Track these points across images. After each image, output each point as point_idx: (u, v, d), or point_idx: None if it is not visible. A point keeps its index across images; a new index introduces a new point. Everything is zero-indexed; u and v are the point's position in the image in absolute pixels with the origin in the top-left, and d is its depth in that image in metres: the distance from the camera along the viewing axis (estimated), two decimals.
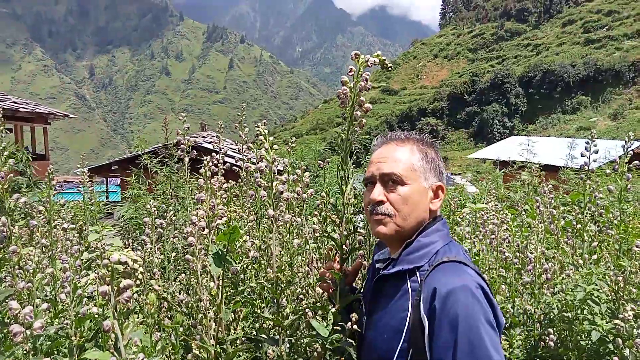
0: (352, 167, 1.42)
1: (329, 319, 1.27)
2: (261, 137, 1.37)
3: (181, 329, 1.40)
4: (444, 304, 1.07)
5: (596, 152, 2.11)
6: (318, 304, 1.33)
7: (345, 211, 1.40)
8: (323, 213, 1.62)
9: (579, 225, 2.27)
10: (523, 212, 2.98)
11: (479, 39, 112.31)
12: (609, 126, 61.71)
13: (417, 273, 1.19)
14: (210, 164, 1.26)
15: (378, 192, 1.26)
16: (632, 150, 2.13)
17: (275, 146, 1.38)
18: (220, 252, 1.11)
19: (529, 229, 2.36)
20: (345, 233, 1.40)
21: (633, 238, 2.12)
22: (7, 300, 1.69)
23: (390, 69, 1.37)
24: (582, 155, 2.18)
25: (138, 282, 0.95)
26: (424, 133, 1.41)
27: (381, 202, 1.25)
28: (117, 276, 0.96)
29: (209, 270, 1.28)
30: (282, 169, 1.44)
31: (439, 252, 1.21)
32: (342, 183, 1.37)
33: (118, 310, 0.96)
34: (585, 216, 2.26)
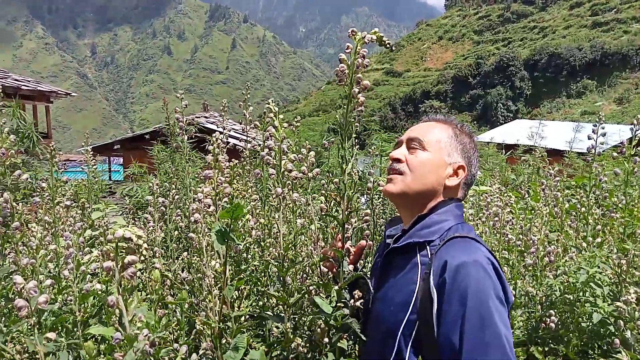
0: (354, 146, 1.41)
1: (332, 296, 1.28)
2: (271, 115, 1.36)
3: (185, 306, 1.41)
4: (455, 278, 1.07)
5: (603, 134, 2.09)
6: (321, 283, 1.33)
7: (347, 189, 1.40)
8: (325, 192, 1.61)
9: (583, 209, 2.26)
10: (526, 195, 2.97)
11: (484, 21, 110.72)
12: (614, 110, 61.25)
13: (428, 247, 1.20)
14: (219, 140, 1.25)
15: (399, 151, 1.33)
16: (639, 134, 2.10)
17: (284, 124, 1.37)
18: (223, 229, 1.11)
19: (532, 211, 2.35)
20: (347, 211, 1.39)
21: (637, 222, 2.11)
22: (11, 276, 1.70)
23: (387, 46, 1.36)
24: (589, 138, 2.16)
25: (142, 258, 0.94)
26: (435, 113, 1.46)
27: (398, 160, 1.31)
28: (121, 252, 0.96)
29: (213, 248, 1.28)
30: (286, 148, 1.42)
31: (451, 228, 1.22)
32: (342, 162, 1.37)
33: (122, 285, 0.96)
34: (590, 199, 2.25)
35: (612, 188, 2.64)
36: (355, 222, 1.69)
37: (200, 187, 1.27)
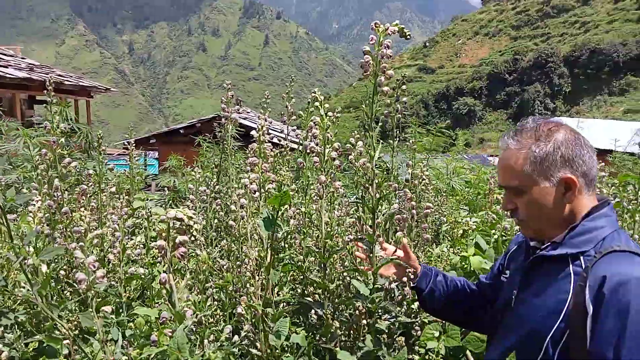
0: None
1: (368, 278, 1.30)
2: (316, 104, 1.39)
3: (230, 288, 1.44)
4: (614, 293, 1.05)
5: None
6: (358, 268, 1.36)
7: (375, 177, 1.42)
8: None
9: (630, 206, 2.18)
10: None
11: (522, 16, 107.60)
12: None
13: (582, 258, 1.17)
14: (264, 128, 1.28)
15: (505, 202, 1.30)
16: None
17: (330, 113, 1.39)
18: (270, 215, 1.13)
19: None
20: (376, 198, 1.42)
21: None
22: (62, 256, 1.78)
23: (408, 37, 1.38)
24: (638, 134, 2.08)
25: (193, 238, 0.98)
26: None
27: (513, 211, 1.27)
28: (173, 232, 1.00)
29: (255, 234, 1.31)
30: (330, 137, 1.44)
31: (606, 238, 1.18)
32: (369, 149, 1.39)
33: (173, 264, 1.00)
34: (638, 197, 2.17)
35: None
36: (384, 210, 1.70)
37: (245, 175, 1.30)
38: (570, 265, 1.17)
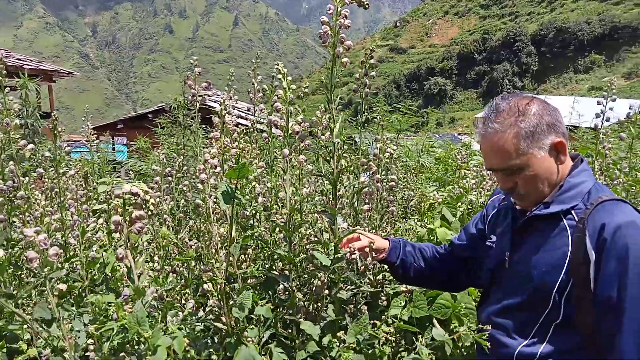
0: (338, 107, 1.44)
1: (329, 249, 1.32)
2: (279, 76, 1.37)
3: (193, 263, 1.43)
4: (613, 238, 1.14)
5: (614, 99, 2.06)
6: (320, 240, 1.38)
7: (336, 149, 1.43)
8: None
9: None
10: None
11: None
12: (622, 86, 60.39)
13: (573, 212, 1.25)
14: (226, 103, 1.26)
15: (503, 182, 1.32)
16: None
17: (292, 86, 1.38)
18: (229, 189, 1.12)
19: None
20: (337, 171, 1.43)
21: (637, 184, 2.11)
22: (19, 235, 1.73)
23: (366, 7, 1.37)
24: (598, 103, 2.13)
25: (149, 213, 0.96)
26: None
27: (511, 188, 1.30)
28: (128, 207, 0.98)
29: (219, 209, 1.30)
30: (293, 110, 1.43)
31: (590, 191, 1.26)
32: (330, 122, 1.39)
33: (130, 240, 0.98)
34: (594, 167, 2.25)
35: (616, 159, 2.63)
36: (346, 182, 1.72)
37: (206, 150, 1.28)
38: (564, 220, 1.25)
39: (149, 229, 1.62)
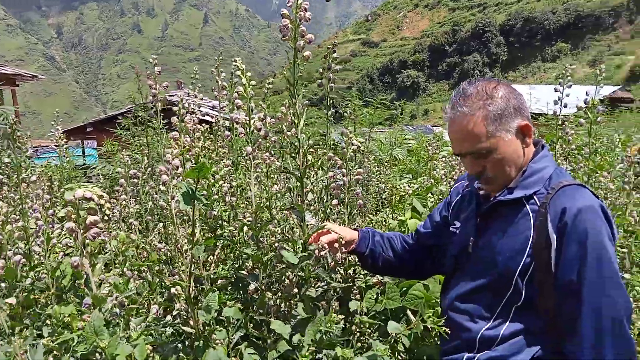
0: (304, 101, 1.42)
1: (297, 247, 1.30)
2: (238, 73, 1.34)
3: (157, 267, 1.40)
4: (574, 221, 1.17)
5: (569, 86, 2.12)
6: (288, 238, 1.36)
7: (301, 145, 1.42)
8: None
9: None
10: None
11: None
12: (587, 73, 62.13)
13: (535, 197, 1.27)
14: (184, 102, 1.23)
15: (471, 166, 1.33)
16: (608, 95, 2.13)
17: (252, 82, 1.35)
18: (189, 189, 1.10)
19: None
20: (303, 167, 1.42)
21: (600, 169, 2.17)
22: None
23: (328, 0, 1.36)
24: (555, 91, 2.19)
25: (105, 218, 0.93)
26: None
27: (480, 172, 1.31)
28: (82, 213, 0.94)
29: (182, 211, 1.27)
30: (254, 106, 1.41)
31: (552, 176, 1.29)
32: (294, 117, 1.38)
33: (86, 247, 0.95)
34: (556, 151, 2.30)
35: (580, 145, 2.70)
36: (313, 178, 1.71)
37: (167, 151, 1.25)
38: (527, 205, 1.28)
39: (110, 234, 1.57)
